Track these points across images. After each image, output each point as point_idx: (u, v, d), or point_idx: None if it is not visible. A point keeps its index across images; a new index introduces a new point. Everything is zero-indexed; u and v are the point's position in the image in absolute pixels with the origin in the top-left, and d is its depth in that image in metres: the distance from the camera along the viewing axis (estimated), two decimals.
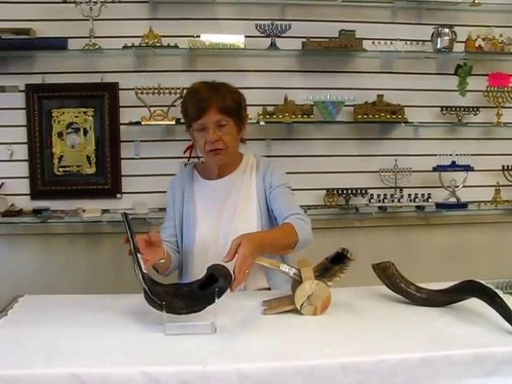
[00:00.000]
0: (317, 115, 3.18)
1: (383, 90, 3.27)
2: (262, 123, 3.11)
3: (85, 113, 3.14)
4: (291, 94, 3.19)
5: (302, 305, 1.66)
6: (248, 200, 2.11)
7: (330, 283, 1.70)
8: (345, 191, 3.27)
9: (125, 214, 1.71)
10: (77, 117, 3.14)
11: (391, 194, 3.29)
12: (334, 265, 1.73)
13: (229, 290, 1.53)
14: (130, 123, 3.10)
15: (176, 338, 1.47)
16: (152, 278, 1.60)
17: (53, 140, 3.14)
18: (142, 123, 3.07)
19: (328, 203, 3.25)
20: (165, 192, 2.27)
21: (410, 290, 1.77)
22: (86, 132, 3.15)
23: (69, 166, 3.17)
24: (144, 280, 1.54)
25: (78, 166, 3.18)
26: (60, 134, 3.14)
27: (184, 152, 3.02)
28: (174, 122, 3.06)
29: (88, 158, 3.18)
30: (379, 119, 3.22)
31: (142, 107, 3.07)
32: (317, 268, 1.74)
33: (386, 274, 1.80)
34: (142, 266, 1.58)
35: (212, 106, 1.96)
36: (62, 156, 3.16)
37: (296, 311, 1.66)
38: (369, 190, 3.30)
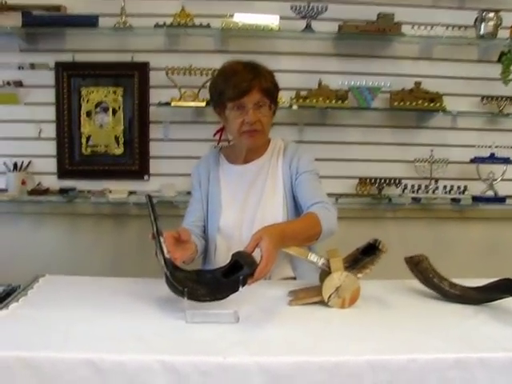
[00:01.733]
0: (351, 101, 3.10)
1: (421, 76, 3.17)
2: (294, 107, 3.04)
3: (114, 92, 3.11)
4: (326, 79, 3.11)
5: (329, 297, 1.61)
6: (274, 186, 2.06)
7: (359, 275, 1.65)
8: (378, 180, 3.19)
9: (149, 196, 1.66)
10: (106, 96, 3.11)
11: (426, 185, 3.19)
12: (364, 256, 1.67)
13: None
14: (160, 104, 3.05)
15: (197, 326, 1.43)
16: (174, 262, 1.55)
17: (81, 119, 3.12)
18: (172, 104, 3.02)
19: (360, 192, 3.18)
20: None
21: (443, 286, 1.71)
22: (114, 112, 3.13)
23: (96, 146, 3.15)
24: (166, 265, 1.49)
25: (105, 146, 3.15)
26: (88, 114, 3.12)
27: (214, 135, 2.91)
28: (204, 104, 3.01)
29: (116, 138, 3.15)
30: (416, 107, 3.13)
31: (172, 88, 3.03)
32: (346, 259, 1.68)
33: (420, 268, 1.74)
34: (165, 250, 1.54)
35: (255, 86, 1.94)
36: (89, 136, 3.14)
37: (323, 303, 1.61)
38: (403, 180, 3.21)
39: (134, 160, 3.16)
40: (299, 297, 1.67)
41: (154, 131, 3.16)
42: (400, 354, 1.29)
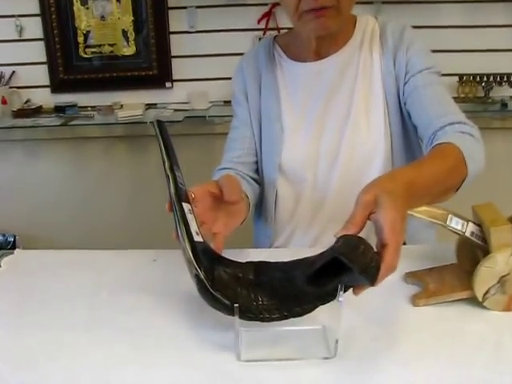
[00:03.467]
0: None
1: None
2: None
3: None
4: None
5: (486, 293, 0.99)
6: (368, 94, 1.40)
7: None
8: (485, 78, 2.70)
9: (158, 122, 1.07)
10: None
11: None
12: None
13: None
14: None
15: (260, 369, 0.83)
16: (211, 248, 0.92)
17: (75, 9, 2.74)
18: None
19: (463, 95, 2.68)
20: (231, 78, 1.61)
21: None
22: None
23: (99, 46, 2.78)
24: (197, 260, 0.85)
25: (110, 46, 2.77)
26: (84, 1, 2.71)
27: (259, 22, 2.60)
28: None
29: (124, 33, 2.75)
30: None
31: None
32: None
33: None
34: (193, 226, 0.89)
35: None
36: (88, 32, 2.79)
37: (470, 301, 1.01)
38: None
39: (150, 62, 2.78)
40: (430, 291, 1.05)
41: (176, 21, 2.73)
42: None
